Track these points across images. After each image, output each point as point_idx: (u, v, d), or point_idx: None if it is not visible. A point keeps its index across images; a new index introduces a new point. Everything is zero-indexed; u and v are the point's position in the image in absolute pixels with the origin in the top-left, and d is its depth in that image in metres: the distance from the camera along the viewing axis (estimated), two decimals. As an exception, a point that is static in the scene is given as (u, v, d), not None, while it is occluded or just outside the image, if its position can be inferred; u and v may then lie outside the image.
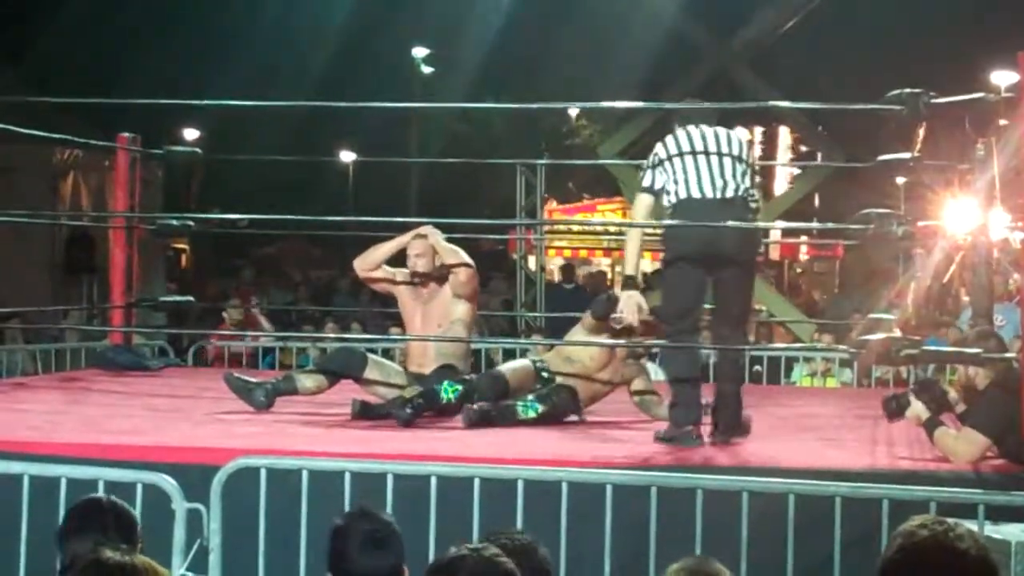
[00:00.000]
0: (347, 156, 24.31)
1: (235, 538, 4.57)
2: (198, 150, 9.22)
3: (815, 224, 5.99)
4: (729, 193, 5.68)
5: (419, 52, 28.70)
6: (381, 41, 26.59)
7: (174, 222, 7.76)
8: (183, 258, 24.15)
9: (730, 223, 5.57)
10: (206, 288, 16.93)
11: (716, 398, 5.78)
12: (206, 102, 7.95)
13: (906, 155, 6.77)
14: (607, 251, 23.98)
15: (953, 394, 5.71)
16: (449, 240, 6.89)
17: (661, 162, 5.77)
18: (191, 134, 24.34)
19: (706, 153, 5.74)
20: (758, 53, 19.00)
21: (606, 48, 19.25)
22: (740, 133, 6.00)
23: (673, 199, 5.73)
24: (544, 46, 24.86)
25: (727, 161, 5.73)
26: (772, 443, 5.82)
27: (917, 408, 5.45)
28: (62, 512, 4.48)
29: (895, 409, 5.58)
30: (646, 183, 5.82)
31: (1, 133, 7.42)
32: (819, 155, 21.41)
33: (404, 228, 7.00)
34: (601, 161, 16.83)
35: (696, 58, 18.88)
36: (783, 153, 35.19)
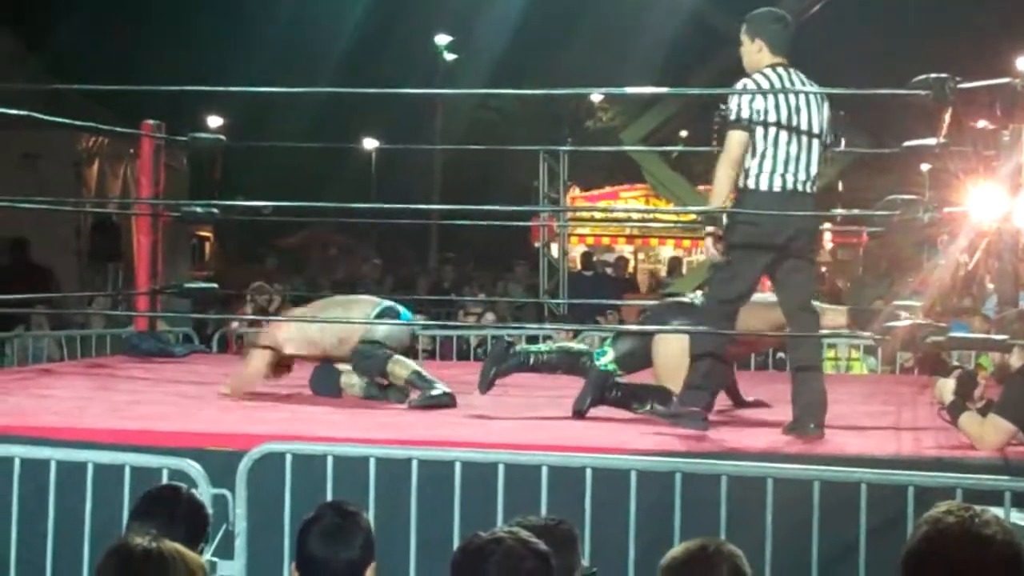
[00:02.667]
0: (370, 144, 24.33)
1: (260, 523, 4.59)
2: (222, 137, 9.23)
3: (840, 211, 5.99)
4: (811, 188, 5.58)
5: (441, 39, 28.69)
6: (403, 29, 26.59)
7: (198, 209, 7.77)
8: (207, 246, 24.22)
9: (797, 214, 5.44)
10: (230, 275, 16.98)
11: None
12: (230, 88, 7.95)
13: (931, 141, 6.73)
14: (630, 238, 23.95)
15: (981, 386, 5.67)
16: (470, 228, 6.90)
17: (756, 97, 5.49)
18: (215, 121, 24.39)
19: (797, 130, 5.50)
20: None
21: (629, 34, 19.19)
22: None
23: (753, 181, 5.49)
24: (566, 32, 24.81)
25: (815, 144, 5.55)
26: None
27: (944, 388, 5.41)
28: (89, 497, 4.53)
29: (933, 367, 5.53)
30: (743, 114, 5.49)
31: (26, 120, 7.45)
32: (843, 141, 21.29)
33: (426, 215, 7.00)
34: (625, 147, 16.79)
35: (719, 43, 18.82)
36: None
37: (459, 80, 27.19)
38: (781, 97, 5.53)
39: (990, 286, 9.62)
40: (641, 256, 26.31)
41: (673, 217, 18.29)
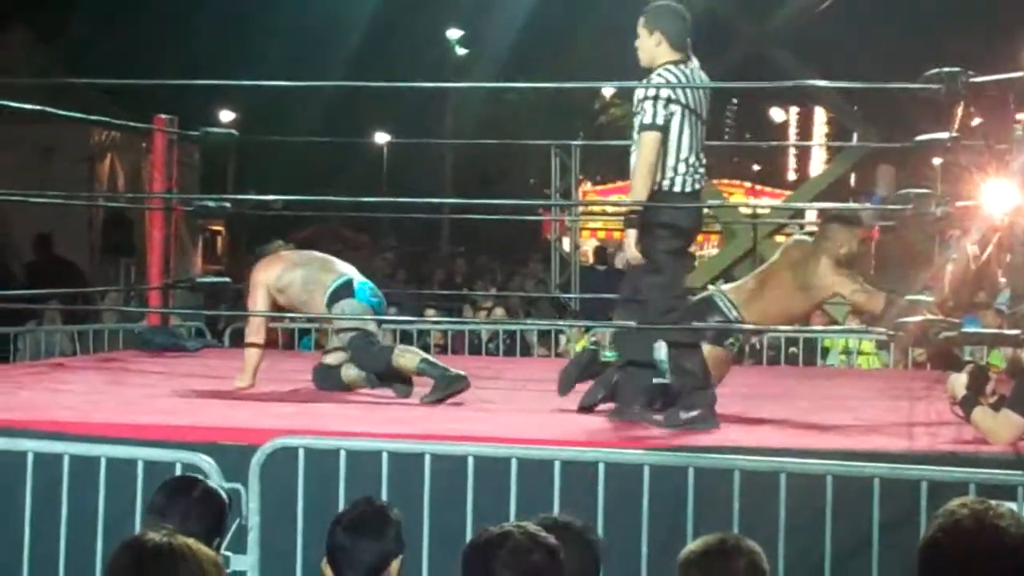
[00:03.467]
0: (381, 138, 24.34)
1: (273, 518, 4.60)
2: (234, 131, 9.24)
3: (852, 204, 5.99)
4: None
5: (453, 33, 28.69)
6: (415, 23, 26.59)
7: (210, 203, 7.78)
8: (219, 240, 24.26)
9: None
10: (242, 270, 17.00)
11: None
12: (243, 83, 7.96)
13: (943, 135, 6.70)
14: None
15: (993, 381, 5.66)
16: (482, 222, 6.93)
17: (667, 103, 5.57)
18: (227, 116, 24.42)
19: (700, 130, 5.63)
20: (793, 33, 18.90)
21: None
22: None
23: (668, 183, 5.59)
24: (577, 26, 24.78)
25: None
26: (809, 424, 5.80)
27: (958, 382, 5.39)
28: (102, 492, 4.54)
29: (945, 363, 5.53)
30: (659, 120, 5.53)
31: (39, 115, 7.46)
32: (855, 136, 21.28)
33: (438, 209, 6.99)
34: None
35: (731, 37, 18.78)
36: (819, 134, 34.99)
37: (471, 74, 27.19)
38: (690, 97, 5.59)
39: (1002, 280, 9.60)
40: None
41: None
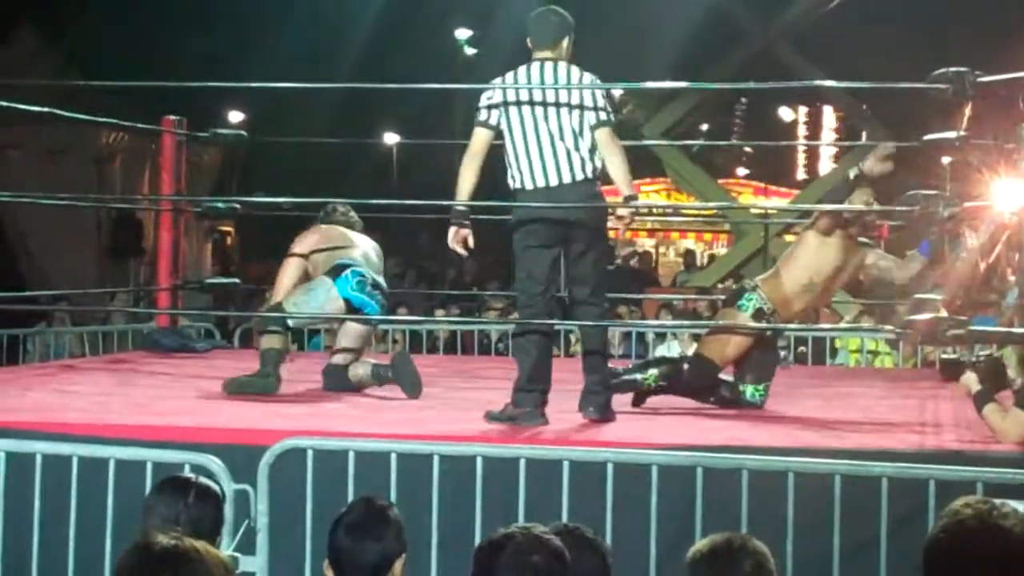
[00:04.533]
0: (391, 138, 24.34)
1: (282, 519, 4.60)
2: (244, 132, 9.26)
3: (860, 207, 5.96)
4: (583, 175, 5.71)
5: (462, 33, 28.68)
6: (423, 23, 26.59)
7: (220, 205, 7.80)
8: (228, 240, 24.29)
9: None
10: (251, 270, 17.03)
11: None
12: (251, 84, 7.96)
13: (952, 134, 6.70)
14: (651, 231, 23.87)
15: (1012, 372, 5.65)
16: (486, 222, 6.93)
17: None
18: (236, 117, 24.43)
19: (545, 124, 5.67)
20: (801, 32, 18.88)
21: (648, 27, 19.16)
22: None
23: (519, 181, 5.72)
24: (585, 26, 24.75)
25: (572, 132, 5.68)
26: (818, 423, 5.80)
27: (970, 378, 5.40)
28: (111, 493, 4.55)
29: (952, 372, 5.53)
30: (481, 115, 5.78)
31: (48, 117, 7.48)
32: (864, 135, 21.26)
33: (447, 211, 7.00)
34: (645, 142, 16.78)
35: (739, 37, 18.77)
36: (827, 133, 34.94)
37: (480, 74, 27.17)
38: (524, 95, 5.68)
39: (1011, 279, 9.58)
40: (663, 249, 26.28)
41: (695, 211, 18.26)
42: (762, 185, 28.62)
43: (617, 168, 5.74)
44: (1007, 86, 5.71)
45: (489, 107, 5.75)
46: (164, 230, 8.73)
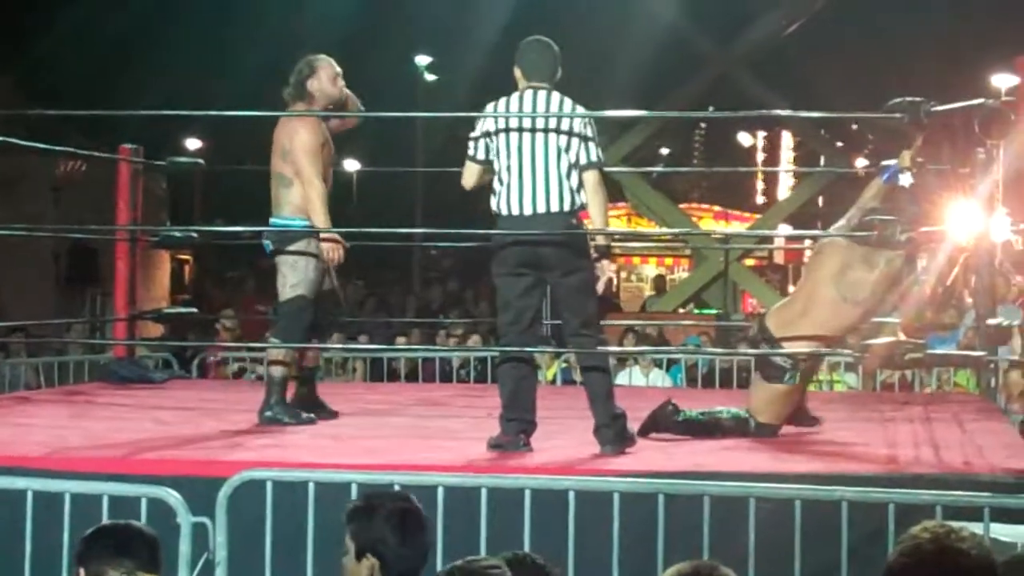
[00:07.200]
0: (351, 165, 24.32)
1: (241, 551, 4.56)
2: (200, 160, 9.20)
3: (817, 232, 6.00)
4: (560, 206, 5.66)
5: (422, 60, 28.72)
6: (383, 49, 26.60)
7: (177, 234, 7.75)
8: (187, 269, 24.18)
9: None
10: (210, 299, 16.94)
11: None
12: (208, 112, 7.95)
13: (907, 159, 6.75)
14: (613, 257, 23.81)
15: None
16: (450, 248, 6.94)
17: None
18: (193, 144, 24.36)
19: (530, 153, 5.65)
20: (761, 58, 19.02)
21: (608, 54, 19.26)
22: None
23: (495, 206, 5.71)
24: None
25: (555, 162, 5.65)
26: (778, 448, 5.81)
27: (1013, 378, 5.24)
28: (67, 528, 4.49)
29: None
30: (469, 151, 5.81)
31: (3, 145, 7.42)
32: (822, 159, 21.41)
33: (408, 239, 6.99)
34: (606, 168, 16.83)
35: (699, 63, 18.89)
36: (786, 157, 35.20)
37: (440, 99, 27.20)
38: (514, 122, 5.67)
39: (968, 301, 9.66)
40: (623, 275, 26.34)
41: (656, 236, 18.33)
42: (722, 210, 28.79)
43: (597, 211, 5.71)
44: (962, 113, 5.77)
45: (478, 139, 5.74)
46: (120, 260, 8.65)
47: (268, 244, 6.54)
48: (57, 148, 8.99)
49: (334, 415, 6.71)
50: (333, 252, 6.40)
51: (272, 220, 6.52)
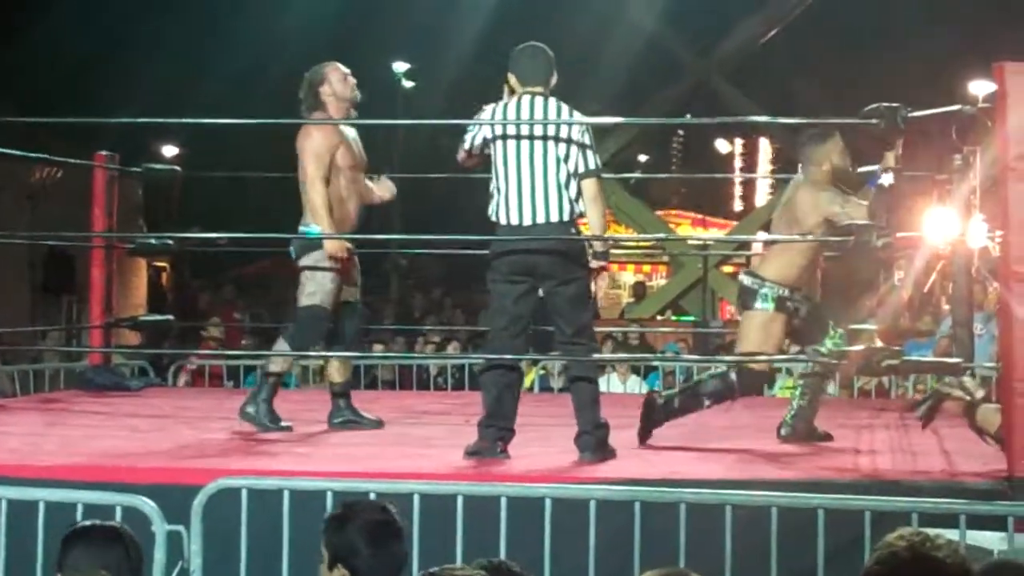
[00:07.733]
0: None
1: (217, 560, 4.54)
2: (177, 167, 9.17)
3: (795, 237, 5.99)
4: (559, 216, 5.64)
5: (400, 67, 28.70)
6: (361, 56, 26.57)
7: (153, 241, 7.71)
8: (164, 276, 24.08)
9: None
10: (188, 306, 16.88)
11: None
12: (184, 120, 7.92)
13: (885, 166, 6.77)
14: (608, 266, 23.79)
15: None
16: (431, 256, 6.92)
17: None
18: (170, 151, 24.28)
19: (529, 162, 5.63)
20: (738, 65, 19.08)
21: (587, 61, 19.30)
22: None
23: (494, 215, 5.69)
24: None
25: (553, 172, 5.63)
26: (754, 455, 5.81)
27: (988, 414, 5.18)
28: (40, 536, 4.46)
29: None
30: (463, 150, 5.78)
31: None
32: (799, 166, 21.43)
33: (385, 245, 6.97)
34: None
35: (677, 70, 18.94)
36: (764, 163, 35.30)
37: (418, 106, 27.18)
38: (512, 129, 5.64)
39: (946, 307, 9.69)
40: (601, 282, 26.35)
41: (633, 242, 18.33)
42: (700, 216, 28.83)
43: (595, 220, 5.69)
44: (939, 120, 5.78)
45: (475, 136, 5.69)
46: (96, 267, 8.61)
47: (292, 251, 6.53)
48: (32, 155, 8.93)
49: (380, 424, 6.67)
50: (333, 253, 6.35)
51: (299, 228, 6.52)
